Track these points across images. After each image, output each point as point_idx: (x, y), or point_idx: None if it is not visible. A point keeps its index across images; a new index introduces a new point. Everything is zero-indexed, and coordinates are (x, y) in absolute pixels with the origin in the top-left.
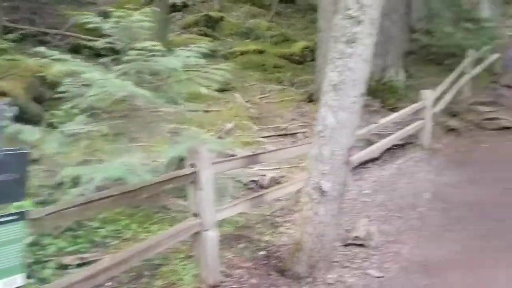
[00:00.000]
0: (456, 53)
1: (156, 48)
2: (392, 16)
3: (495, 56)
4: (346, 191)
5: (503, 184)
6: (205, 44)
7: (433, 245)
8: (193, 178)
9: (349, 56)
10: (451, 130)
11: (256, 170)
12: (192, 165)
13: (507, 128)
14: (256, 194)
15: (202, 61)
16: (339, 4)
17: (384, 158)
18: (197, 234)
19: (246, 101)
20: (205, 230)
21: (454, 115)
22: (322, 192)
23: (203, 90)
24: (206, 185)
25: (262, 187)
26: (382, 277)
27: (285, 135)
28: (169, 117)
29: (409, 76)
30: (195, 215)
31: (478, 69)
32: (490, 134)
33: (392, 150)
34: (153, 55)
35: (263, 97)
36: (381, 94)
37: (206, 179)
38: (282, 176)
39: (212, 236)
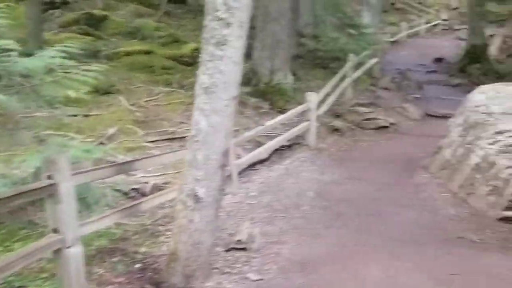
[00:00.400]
0: (340, 58)
1: (11, 47)
2: (280, 21)
3: (374, 60)
4: (223, 196)
5: (379, 179)
6: (74, 44)
7: (313, 243)
8: (50, 191)
9: (220, 59)
10: (335, 130)
11: (139, 177)
12: (49, 177)
13: (384, 127)
14: (129, 203)
15: (70, 62)
16: (207, 5)
17: (272, 159)
18: (58, 251)
19: (131, 105)
20: (67, 247)
21: (337, 116)
22: (196, 199)
23: (72, 93)
24: (67, 198)
25: (144, 194)
26: (261, 279)
27: (173, 139)
28: (42, 122)
29: (297, 79)
30: (55, 231)
31: (359, 72)
32: (369, 133)
33: (281, 151)
34: (9, 55)
35: (150, 100)
36: (270, 96)
37: (66, 191)
38: (167, 182)
39: (75, 253)
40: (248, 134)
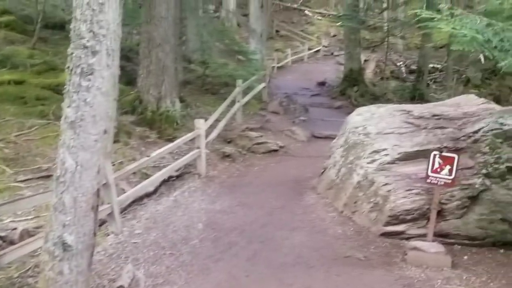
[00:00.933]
0: (229, 83)
1: None
2: (164, 47)
3: (262, 85)
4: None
5: (270, 203)
6: None
7: (202, 281)
8: None
9: (87, 90)
10: (226, 156)
11: (7, 222)
12: None
13: (274, 150)
14: None
15: None
16: (72, 32)
17: (160, 191)
18: None
19: None
20: None
21: (228, 141)
22: (65, 247)
23: None
24: None
25: (12, 242)
26: None
27: (48, 176)
28: None
29: (186, 105)
30: None
31: (248, 97)
32: (260, 157)
33: (171, 182)
34: None
35: (20, 134)
36: (158, 125)
37: None
38: (39, 226)
39: None
40: (130, 167)
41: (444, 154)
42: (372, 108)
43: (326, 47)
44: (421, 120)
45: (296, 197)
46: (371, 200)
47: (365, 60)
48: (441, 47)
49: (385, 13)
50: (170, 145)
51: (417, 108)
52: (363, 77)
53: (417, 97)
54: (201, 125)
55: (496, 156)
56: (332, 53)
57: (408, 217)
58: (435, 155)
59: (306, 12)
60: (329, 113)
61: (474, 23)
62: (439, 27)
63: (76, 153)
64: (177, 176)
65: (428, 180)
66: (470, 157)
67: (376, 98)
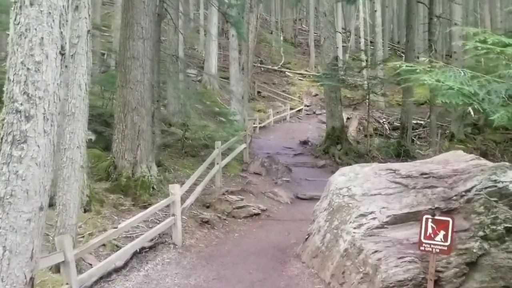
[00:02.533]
0: (209, 145)
1: None
2: (140, 111)
3: (243, 146)
4: None
5: (251, 275)
6: None
7: None
8: None
9: (19, 161)
10: (205, 222)
11: None
12: None
13: (256, 214)
14: None
15: None
16: (5, 94)
17: (132, 264)
18: None
19: None
20: None
21: (207, 206)
22: None
23: None
24: None
25: None
26: None
27: None
28: None
29: (164, 170)
30: None
31: (228, 159)
32: (241, 222)
33: (143, 253)
34: None
35: None
36: (133, 191)
37: None
38: None
39: None
40: (94, 241)
41: (437, 217)
42: (356, 167)
43: (308, 106)
44: (409, 179)
45: (279, 267)
46: (360, 270)
47: (348, 118)
48: (422, 104)
49: (364, 72)
50: (140, 214)
51: (403, 167)
52: (346, 135)
53: (402, 153)
54: (176, 190)
55: (492, 216)
56: (314, 112)
57: None
58: (427, 219)
59: (287, 73)
60: (313, 173)
61: (458, 75)
62: (422, 79)
63: (4, 236)
64: (151, 247)
65: (422, 248)
66: (465, 218)
67: (360, 156)
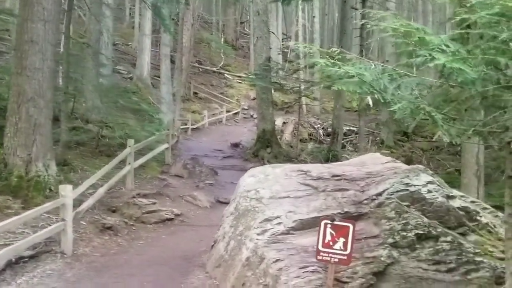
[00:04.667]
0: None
1: None
2: (38, 102)
3: (164, 146)
4: None
5: None
6: None
7: None
8: None
9: None
10: (107, 228)
11: None
12: None
13: (169, 219)
14: None
15: None
16: None
17: (3, 276)
18: None
19: None
20: None
21: (113, 210)
22: None
23: None
24: None
25: None
26: None
27: None
28: None
29: (70, 169)
30: None
31: (143, 159)
32: (151, 228)
33: (22, 263)
34: None
35: None
36: (24, 193)
37: None
38: None
39: None
40: None
41: (336, 223)
42: (268, 168)
43: (246, 109)
44: (319, 181)
45: (179, 278)
46: (261, 281)
47: (284, 123)
48: (356, 111)
49: (301, 74)
50: (15, 218)
51: (316, 168)
52: (276, 138)
53: (331, 158)
54: (67, 192)
55: (403, 222)
56: (251, 116)
57: None
58: (326, 224)
59: (226, 75)
60: (240, 176)
61: (369, 67)
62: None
63: None
64: (32, 256)
65: (319, 257)
66: (375, 224)
67: (290, 160)
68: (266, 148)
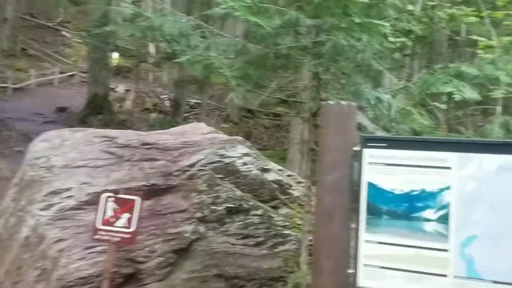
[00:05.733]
0: None
1: None
2: None
3: None
4: None
5: None
6: None
7: None
8: None
9: None
10: None
11: None
12: None
13: None
14: None
15: None
16: None
17: None
18: None
19: None
20: None
21: None
22: None
23: None
24: None
25: None
26: None
27: None
28: None
29: None
30: None
31: None
32: None
33: None
34: None
35: None
36: None
37: None
38: None
39: None
40: None
41: (120, 196)
42: (66, 132)
43: (85, 72)
44: (126, 149)
45: None
46: (38, 264)
47: (127, 90)
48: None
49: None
50: None
51: (124, 135)
52: (110, 104)
53: None
54: None
55: (214, 195)
56: None
57: None
58: (107, 197)
59: (64, 33)
60: None
61: (179, 20)
62: None
63: None
64: None
65: (97, 237)
66: (184, 197)
67: (126, 128)
68: (97, 114)
